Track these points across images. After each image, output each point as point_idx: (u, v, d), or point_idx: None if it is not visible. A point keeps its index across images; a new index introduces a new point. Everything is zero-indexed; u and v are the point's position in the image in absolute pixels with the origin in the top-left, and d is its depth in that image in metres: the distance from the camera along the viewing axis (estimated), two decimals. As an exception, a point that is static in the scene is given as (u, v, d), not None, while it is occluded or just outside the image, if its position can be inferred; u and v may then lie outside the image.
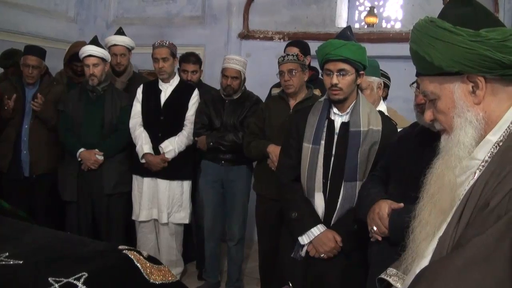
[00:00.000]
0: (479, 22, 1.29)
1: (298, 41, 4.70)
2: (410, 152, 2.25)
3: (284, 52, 4.24)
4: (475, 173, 1.29)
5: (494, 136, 1.28)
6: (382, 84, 3.59)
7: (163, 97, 4.46)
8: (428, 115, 1.43)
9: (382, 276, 1.63)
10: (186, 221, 4.55)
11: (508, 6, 4.96)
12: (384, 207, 2.24)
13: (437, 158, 1.40)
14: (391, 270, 1.62)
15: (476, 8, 1.34)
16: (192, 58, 4.86)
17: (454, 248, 1.22)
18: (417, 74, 1.45)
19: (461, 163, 1.32)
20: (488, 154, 1.28)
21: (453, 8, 1.36)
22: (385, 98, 3.93)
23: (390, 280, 1.60)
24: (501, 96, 1.30)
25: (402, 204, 2.14)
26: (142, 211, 4.45)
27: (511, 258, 1.06)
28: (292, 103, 3.85)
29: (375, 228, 2.26)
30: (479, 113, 1.30)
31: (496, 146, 1.27)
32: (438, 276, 1.16)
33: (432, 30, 1.32)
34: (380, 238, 2.26)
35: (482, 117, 1.30)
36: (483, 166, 1.27)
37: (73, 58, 4.88)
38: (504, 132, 1.27)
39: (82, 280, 2.15)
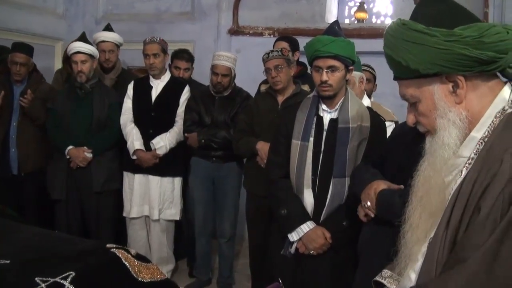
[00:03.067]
0: (453, 20, 1.26)
1: (286, 37, 4.70)
2: (406, 145, 2.23)
3: (274, 47, 4.22)
4: (461, 171, 1.28)
5: (479, 133, 1.27)
6: (364, 78, 3.59)
7: (154, 94, 4.45)
8: (411, 118, 1.42)
9: (377, 278, 1.62)
10: (177, 217, 4.54)
11: (498, 1, 4.96)
12: (382, 186, 2.21)
13: (423, 160, 1.39)
14: (385, 272, 1.61)
15: (449, 5, 1.31)
16: (185, 56, 4.87)
17: (453, 260, 1.20)
18: (395, 78, 1.41)
19: (447, 163, 1.30)
20: (474, 151, 1.26)
21: (425, 8, 1.33)
22: (370, 94, 3.95)
23: (385, 282, 1.59)
24: (483, 92, 1.28)
25: (401, 186, 2.10)
26: (133, 208, 4.43)
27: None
28: (280, 99, 3.84)
29: (368, 203, 2.23)
30: (462, 113, 1.28)
31: (481, 143, 1.25)
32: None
33: (405, 33, 1.29)
34: (372, 215, 2.23)
35: (465, 116, 1.28)
36: (469, 163, 1.26)
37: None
38: (488, 127, 1.26)
39: (69, 279, 2.13)
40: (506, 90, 1.29)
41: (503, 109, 1.26)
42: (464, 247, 1.17)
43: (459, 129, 1.29)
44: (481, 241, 1.12)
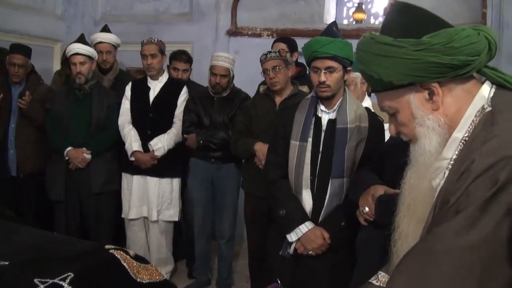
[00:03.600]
0: (421, 29, 1.25)
1: (285, 38, 4.71)
2: (404, 147, 2.23)
3: (272, 48, 4.23)
4: (445, 173, 1.28)
5: (460, 133, 1.27)
6: None
7: (152, 95, 4.45)
8: (392, 129, 1.42)
9: (373, 281, 1.62)
10: (176, 218, 4.54)
11: (496, 2, 4.96)
12: (380, 190, 2.22)
13: (408, 168, 1.40)
14: (382, 276, 1.61)
15: (415, 15, 1.30)
16: (183, 57, 4.86)
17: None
18: (372, 91, 1.42)
19: (432, 167, 1.30)
20: (456, 152, 1.26)
21: (392, 19, 1.33)
22: (370, 94, 3.94)
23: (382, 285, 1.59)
24: (460, 95, 1.28)
25: (398, 191, 2.11)
26: (131, 209, 4.43)
27: (474, 253, 1.06)
28: (278, 100, 3.85)
29: (366, 209, 2.24)
30: (440, 119, 1.28)
31: (463, 143, 1.26)
32: (401, 270, 1.17)
33: (374, 47, 1.29)
34: (371, 219, 2.24)
35: (444, 122, 1.28)
36: (451, 164, 1.26)
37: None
38: (468, 127, 1.26)
39: (68, 280, 2.13)
40: (485, 88, 1.29)
41: (483, 107, 1.25)
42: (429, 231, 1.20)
43: (439, 135, 1.29)
44: (434, 226, 1.15)
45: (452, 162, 1.26)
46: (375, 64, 1.29)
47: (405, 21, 1.29)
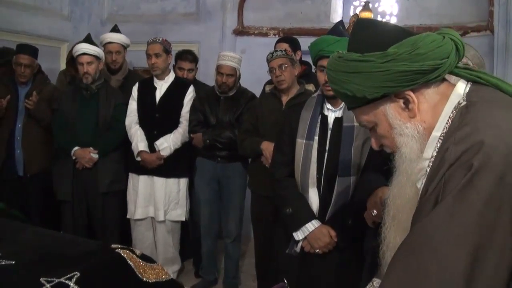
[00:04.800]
0: (385, 41, 1.27)
1: (286, 37, 4.71)
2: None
3: (274, 49, 4.23)
4: (426, 171, 1.29)
5: (438, 132, 1.27)
6: None
7: (158, 95, 4.45)
8: (374, 143, 1.43)
9: None
10: (183, 218, 4.53)
11: (503, 0, 4.94)
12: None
13: (391, 179, 1.41)
14: (377, 282, 1.60)
15: (378, 28, 1.33)
16: (189, 57, 4.86)
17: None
18: (349, 108, 1.43)
19: (412, 176, 1.32)
20: (436, 150, 1.27)
21: (357, 36, 1.35)
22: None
23: None
24: (434, 99, 1.29)
25: None
26: (137, 209, 4.43)
27: (455, 243, 1.07)
28: (285, 99, 3.84)
29: (375, 212, 2.24)
30: (419, 125, 1.30)
31: (441, 139, 1.26)
32: (389, 273, 1.18)
33: (343, 65, 1.31)
34: (379, 222, 2.24)
35: (423, 128, 1.29)
36: (432, 161, 1.27)
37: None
38: (446, 123, 1.26)
39: (74, 279, 2.13)
40: (460, 85, 1.30)
41: (458, 103, 1.26)
42: (411, 226, 1.21)
43: (419, 141, 1.30)
44: (420, 218, 1.16)
45: (432, 159, 1.27)
46: (346, 82, 1.31)
47: (369, 36, 1.31)
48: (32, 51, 4.56)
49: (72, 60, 4.91)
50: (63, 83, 5.03)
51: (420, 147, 1.29)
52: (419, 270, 1.10)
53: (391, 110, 1.31)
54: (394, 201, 1.38)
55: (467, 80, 1.31)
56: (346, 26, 2.98)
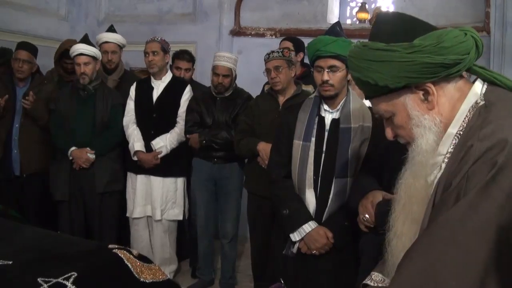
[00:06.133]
0: (411, 33, 1.30)
1: (292, 37, 4.71)
2: (400, 149, 2.23)
3: (279, 46, 4.25)
4: (441, 167, 1.31)
5: (454, 129, 1.31)
6: None
7: (155, 94, 4.45)
8: (389, 133, 1.45)
9: (367, 282, 1.62)
10: (180, 217, 4.54)
11: (499, 1, 4.96)
12: (378, 197, 2.23)
13: (404, 169, 1.42)
14: (376, 276, 1.61)
15: (403, 20, 1.36)
16: (186, 56, 4.88)
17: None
18: (366, 98, 1.46)
19: (427, 167, 1.34)
20: (451, 146, 1.30)
21: (382, 27, 1.38)
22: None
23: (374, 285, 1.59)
24: (452, 94, 1.33)
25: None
26: (136, 208, 4.44)
27: (475, 236, 1.09)
28: (281, 99, 3.85)
29: (367, 216, 2.25)
30: (436, 118, 1.32)
31: (457, 137, 1.29)
32: (407, 260, 1.20)
33: (368, 54, 1.34)
34: (372, 226, 2.25)
35: (440, 121, 1.32)
36: (447, 158, 1.30)
37: (63, 55, 4.87)
38: (463, 121, 1.30)
39: (71, 280, 2.14)
40: (477, 85, 1.34)
41: (476, 102, 1.30)
42: (432, 216, 1.24)
43: (436, 134, 1.32)
44: (444, 211, 1.18)
45: (448, 155, 1.30)
46: (369, 70, 1.33)
47: (394, 28, 1.34)
48: (31, 48, 4.58)
49: (60, 59, 4.94)
50: (52, 82, 5.00)
51: (436, 139, 1.32)
52: (439, 260, 1.12)
53: (410, 101, 1.34)
54: (406, 191, 1.40)
55: (483, 79, 1.34)
56: (343, 26, 2.99)
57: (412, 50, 1.27)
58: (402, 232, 1.39)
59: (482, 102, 1.28)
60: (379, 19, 1.41)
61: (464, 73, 1.35)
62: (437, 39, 1.26)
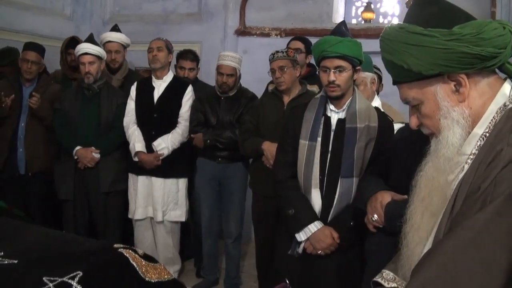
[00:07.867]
0: (450, 20, 1.27)
1: (303, 37, 4.69)
2: (411, 145, 2.22)
3: (287, 46, 4.25)
4: (463, 167, 1.28)
5: (480, 129, 1.28)
6: (376, 79, 3.58)
7: (156, 94, 4.44)
8: (414, 121, 1.42)
9: (378, 279, 1.60)
10: (183, 219, 4.52)
11: (506, 1, 4.94)
12: (387, 197, 2.22)
13: (426, 161, 1.39)
14: (387, 274, 1.59)
15: (442, 6, 1.32)
16: (190, 55, 4.87)
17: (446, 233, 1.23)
18: (394, 83, 1.42)
19: (450, 162, 1.30)
20: (476, 147, 1.27)
21: (419, 10, 1.34)
22: (378, 92, 3.92)
23: (385, 284, 1.57)
24: (483, 89, 1.29)
25: (405, 196, 2.10)
26: (137, 209, 4.42)
27: (500, 242, 1.08)
28: (286, 99, 3.84)
29: (376, 217, 2.24)
30: (465, 111, 1.29)
31: (483, 138, 1.26)
32: (428, 261, 1.17)
33: (404, 37, 1.30)
34: (381, 226, 2.24)
35: (469, 114, 1.29)
36: (471, 159, 1.27)
37: (69, 46, 4.92)
38: (489, 123, 1.27)
39: (77, 279, 2.13)
40: (506, 86, 1.30)
41: (504, 104, 1.27)
42: (456, 220, 1.21)
43: (463, 128, 1.29)
44: (470, 215, 1.15)
45: (471, 157, 1.27)
46: (404, 54, 1.30)
47: (432, 12, 1.30)
48: (39, 49, 4.60)
49: (65, 57, 4.95)
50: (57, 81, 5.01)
51: (462, 133, 1.29)
52: (461, 264, 1.10)
53: (441, 91, 1.30)
54: (427, 184, 1.36)
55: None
56: (348, 26, 2.98)
57: (450, 37, 1.23)
58: (420, 225, 1.36)
59: (511, 105, 1.25)
60: (417, 1, 1.37)
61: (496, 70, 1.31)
62: (477, 29, 1.23)
